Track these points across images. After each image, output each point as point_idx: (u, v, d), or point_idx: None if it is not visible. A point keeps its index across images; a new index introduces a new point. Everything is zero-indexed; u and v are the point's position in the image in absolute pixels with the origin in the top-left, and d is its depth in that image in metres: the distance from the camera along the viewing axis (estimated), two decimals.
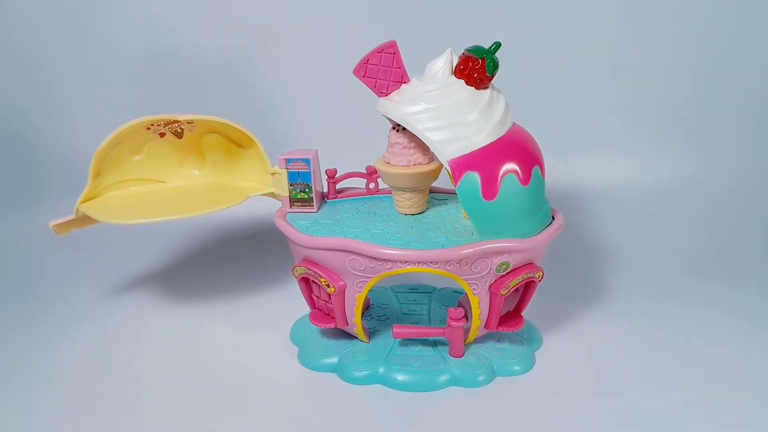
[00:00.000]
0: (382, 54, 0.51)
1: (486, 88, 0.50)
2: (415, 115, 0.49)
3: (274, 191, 0.58)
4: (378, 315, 0.62)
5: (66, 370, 0.57)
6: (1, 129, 0.94)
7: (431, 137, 0.48)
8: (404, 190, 0.55)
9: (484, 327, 0.53)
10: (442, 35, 0.89)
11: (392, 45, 0.51)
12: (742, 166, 0.90)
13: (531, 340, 0.58)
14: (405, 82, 0.52)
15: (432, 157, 0.55)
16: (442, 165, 0.53)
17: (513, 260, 0.50)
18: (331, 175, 0.60)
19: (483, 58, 0.48)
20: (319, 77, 0.92)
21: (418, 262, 0.48)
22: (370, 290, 0.51)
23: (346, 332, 0.57)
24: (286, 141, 0.89)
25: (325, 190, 0.61)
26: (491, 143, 0.48)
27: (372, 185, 0.62)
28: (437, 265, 0.48)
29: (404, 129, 0.52)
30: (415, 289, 0.67)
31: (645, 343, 0.58)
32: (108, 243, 0.82)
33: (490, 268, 0.49)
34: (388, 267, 0.49)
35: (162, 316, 0.66)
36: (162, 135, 0.61)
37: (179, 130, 0.61)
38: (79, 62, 0.92)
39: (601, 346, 0.58)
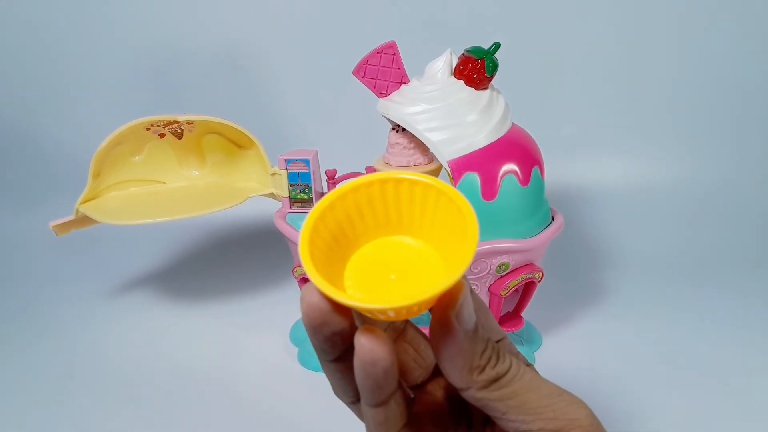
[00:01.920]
0: (382, 54, 0.51)
1: (485, 88, 0.50)
2: (415, 116, 0.49)
3: (274, 192, 0.58)
4: None
5: (65, 370, 0.57)
6: (1, 129, 0.94)
7: (431, 138, 0.48)
8: None
9: None
10: (441, 36, 0.89)
11: (392, 45, 0.51)
12: (743, 166, 0.90)
13: (531, 340, 0.58)
14: (405, 83, 0.52)
15: (432, 158, 0.55)
16: (441, 165, 0.53)
17: (512, 260, 0.50)
18: (331, 176, 0.60)
19: (482, 59, 0.48)
20: (319, 78, 0.92)
21: None
22: None
23: None
24: (286, 141, 0.89)
25: (325, 190, 0.61)
26: (491, 144, 0.48)
27: None
28: None
29: (404, 129, 0.52)
30: None
31: (645, 344, 0.58)
32: (108, 244, 0.82)
33: (490, 269, 0.49)
34: None
35: (161, 316, 0.66)
36: (162, 135, 0.61)
37: (179, 131, 0.61)
38: (79, 62, 0.92)
39: (601, 346, 0.58)
